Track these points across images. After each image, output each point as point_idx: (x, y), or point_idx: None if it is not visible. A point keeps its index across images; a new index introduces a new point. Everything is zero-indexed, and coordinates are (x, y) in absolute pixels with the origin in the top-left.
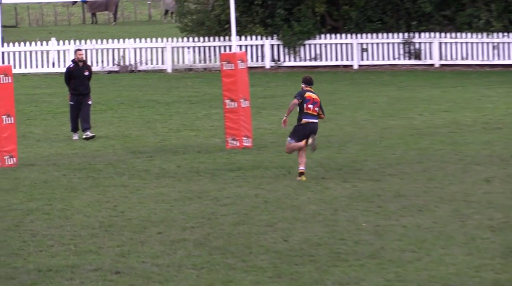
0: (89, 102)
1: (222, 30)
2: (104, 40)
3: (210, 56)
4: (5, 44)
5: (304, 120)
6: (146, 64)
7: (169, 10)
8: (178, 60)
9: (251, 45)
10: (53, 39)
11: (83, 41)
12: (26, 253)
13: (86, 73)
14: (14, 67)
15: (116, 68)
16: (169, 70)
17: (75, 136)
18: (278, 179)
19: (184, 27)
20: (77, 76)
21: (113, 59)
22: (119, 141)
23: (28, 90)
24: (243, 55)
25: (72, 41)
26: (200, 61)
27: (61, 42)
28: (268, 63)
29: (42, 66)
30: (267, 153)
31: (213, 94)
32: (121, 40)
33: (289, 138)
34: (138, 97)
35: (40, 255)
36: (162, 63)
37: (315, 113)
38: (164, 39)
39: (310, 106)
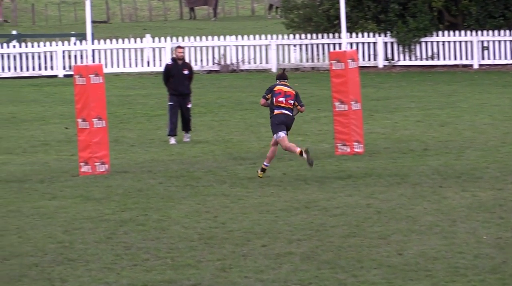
0: (189, 106)
1: (331, 26)
2: (203, 37)
3: (318, 54)
4: (96, 41)
5: (276, 111)
6: (249, 63)
7: (274, 4)
8: (283, 59)
9: (363, 43)
10: (148, 36)
11: (180, 38)
12: (119, 267)
13: (186, 72)
14: (106, 66)
15: (216, 68)
16: (274, 69)
17: (172, 141)
18: (391, 188)
19: (290, 23)
20: (176, 75)
21: (213, 57)
22: (219, 147)
23: (120, 91)
24: (354, 54)
25: (168, 38)
26: (307, 60)
27: (156, 39)
28: (381, 63)
29: (136, 65)
30: (379, 159)
31: (322, 96)
32: (221, 37)
33: (274, 135)
34: (240, 99)
35: (134, 269)
36: (266, 62)
37: (289, 106)
38: (268, 36)
39: (281, 99)
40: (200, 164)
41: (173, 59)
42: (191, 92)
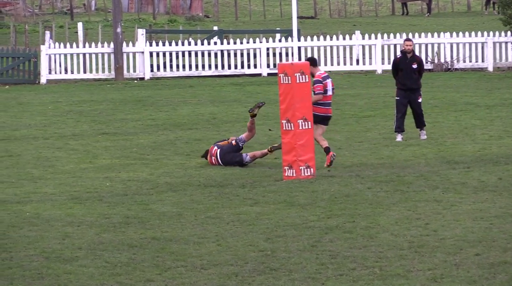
0: (419, 101)
1: None
2: (416, 34)
3: None
4: (302, 38)
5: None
6: (464, 61)
7: (491, 0)
8: (500, 57)
9: None
10: (357, 33)
11: (391, 34)
12: (324, 277)
13: (414, 66)
14: None
15: (429, 66)
16: (490, 68)
17: (399, 137)
18: None
19: (508, 20)
20: (404, 69)
21: (426, 55)
22: (432, 150)
23: None
24: None
25: (379, 35)
26: None
27: (366, 35)
28: None
29: (345, 64)
30: None
31: None
32: (435, 34)
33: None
34: (454, 99)
35: (340, 279)
36: (482, 60)
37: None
38: (485, 33)
39: (213, 158)
40: (411, 168)
41: (402, 52)
42: (421, 86)
